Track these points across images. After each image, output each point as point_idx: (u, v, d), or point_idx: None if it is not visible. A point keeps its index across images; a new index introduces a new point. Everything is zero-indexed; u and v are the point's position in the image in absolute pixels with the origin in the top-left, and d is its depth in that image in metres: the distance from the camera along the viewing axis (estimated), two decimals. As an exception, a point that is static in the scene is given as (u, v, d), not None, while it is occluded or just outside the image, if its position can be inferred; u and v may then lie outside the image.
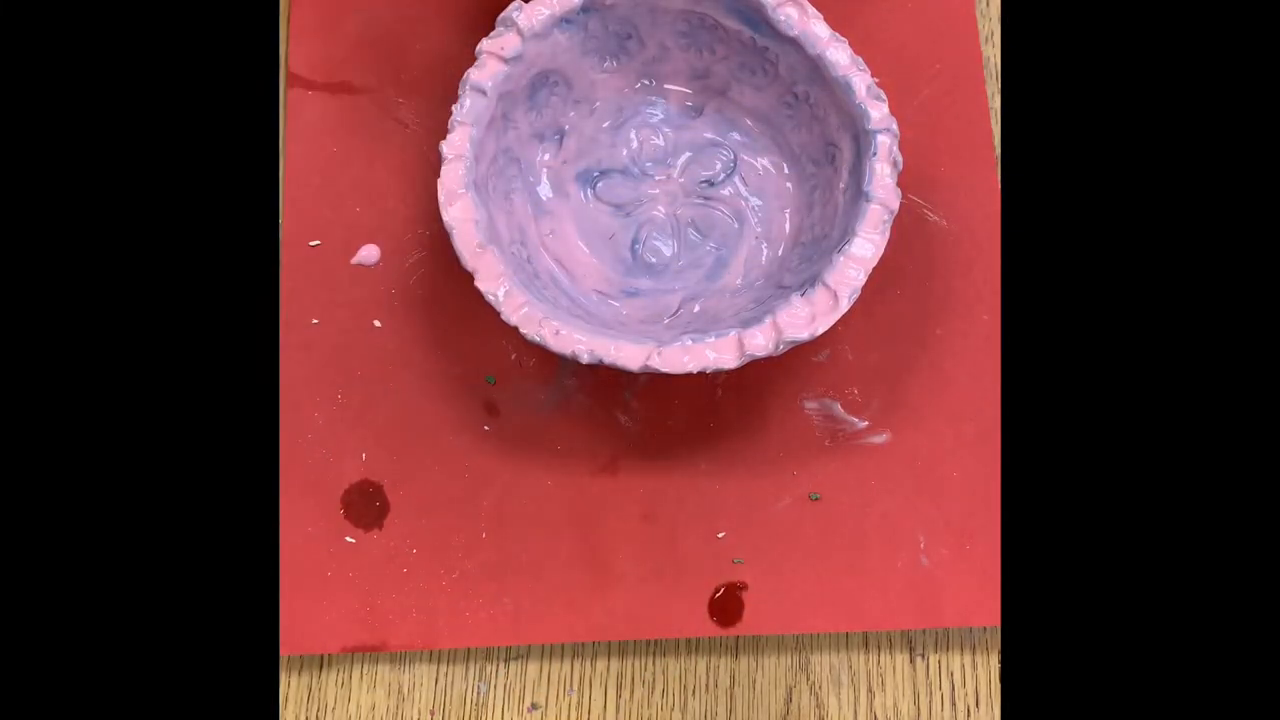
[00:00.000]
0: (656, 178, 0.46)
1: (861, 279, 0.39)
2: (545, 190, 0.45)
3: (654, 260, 0.45)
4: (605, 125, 0.46)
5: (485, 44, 0.41)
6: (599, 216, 0.45)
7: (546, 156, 0.45)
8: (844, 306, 0.39)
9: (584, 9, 0.42)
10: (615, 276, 0.45)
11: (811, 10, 0.42)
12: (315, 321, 0.45)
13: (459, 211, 0.39)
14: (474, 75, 0.41)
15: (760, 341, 0.38)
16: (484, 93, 0.41)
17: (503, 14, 0.41)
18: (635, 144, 0.46)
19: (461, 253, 0.39)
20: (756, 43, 0.43)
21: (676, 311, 0.44)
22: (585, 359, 0.38)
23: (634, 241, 0.45)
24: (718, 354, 0.38)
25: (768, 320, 0.39)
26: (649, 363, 0.38)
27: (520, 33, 0.41)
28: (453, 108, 0.41)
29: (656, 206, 0.46)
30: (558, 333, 0.38)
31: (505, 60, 0.41)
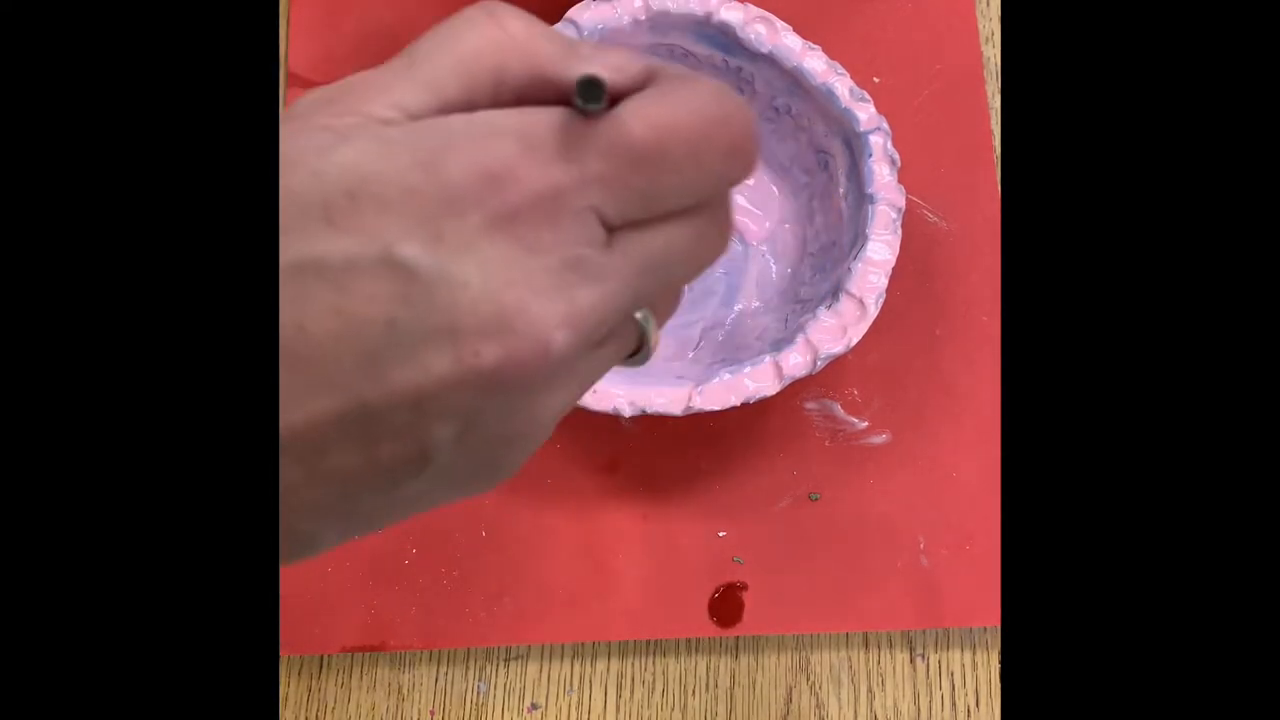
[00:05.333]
0: None
1: (884, 282, 0.39)
2: None
3: None
4: None
5: None
6: None
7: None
8: (873, 312, 0.38)
9: None
10: None
11: (780, 24, 0.41)
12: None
13: None
14: None
15: (798, 361, 0.38)
16: None
17: None
18: None
19: None
20: (729, 64, 0.43)
21: (699, 343, 0.43)
22: (628, 412, 0.38)
23: None
24: (757, 383, 0.38)
25: (800, 339, 0.38)
26: (692, 404, 0.38)
27: None
28: None
29: None
30: (595, 391, 0.38)
31: None
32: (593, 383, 0.23)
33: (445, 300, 0.19)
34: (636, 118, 0.21)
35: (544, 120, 0.21)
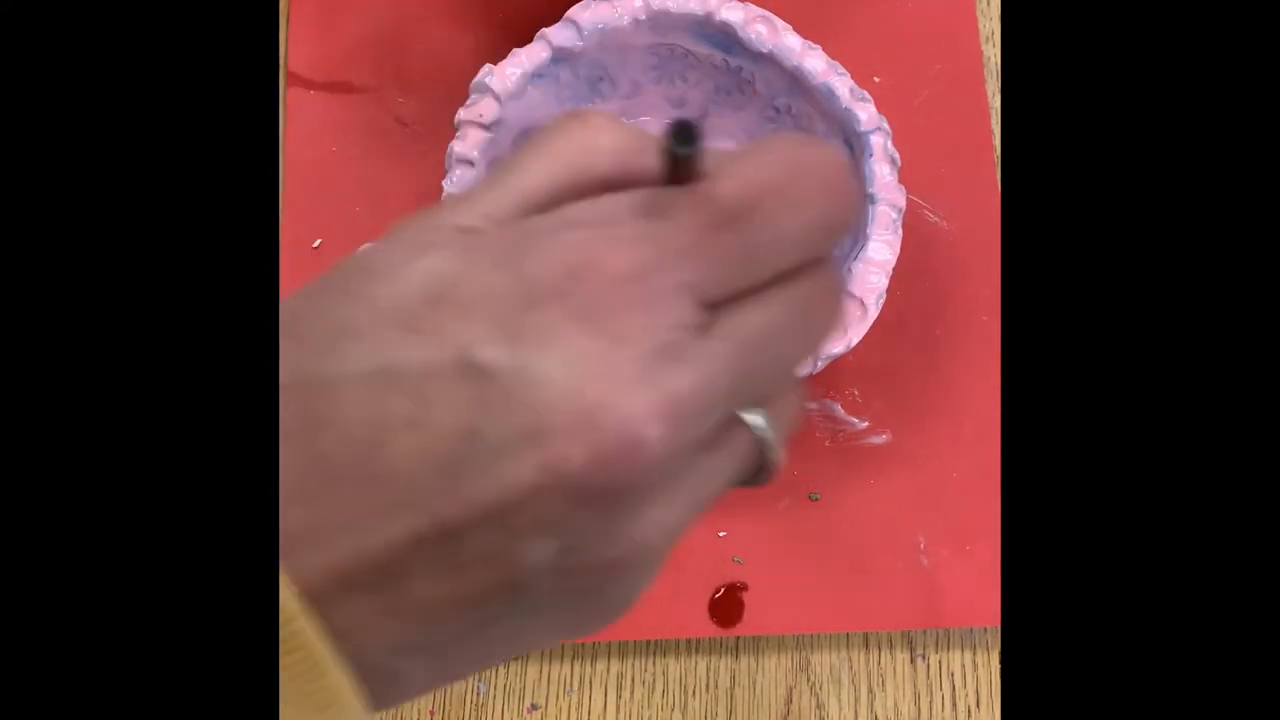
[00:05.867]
0: None
1: (884, 282, 0.39)
2: None
3: None
4: None
5: (463, 114, 0.40)
6: None
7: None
8: (873, 313, 0.38)
9: (554, 60, 0.41)
10: None
11: (780, 23, 0.41)
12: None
13: None
14: (458, 148, 0.39)
15: None
16: (471, 163, 0.39)
17: (475, 80, 0.40)
18: None
19: None
20: (730, 64, 0.43)
21: None
22: None
23: None
24: None
25: None
26: None
27: (496, 96, 0.40)
28: (443, 183, 0.40)
29: None
30: None
31: (486, 127, 0.40)
32: (709, 499, 0.21)
33: (525, 401, 0.18)
34: (723, 176, 0.19)
35: (625, 201, 0.20)
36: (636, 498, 0.19)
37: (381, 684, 0.19)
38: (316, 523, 0.18)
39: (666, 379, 0.18)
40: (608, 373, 0.18)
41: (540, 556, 0.19)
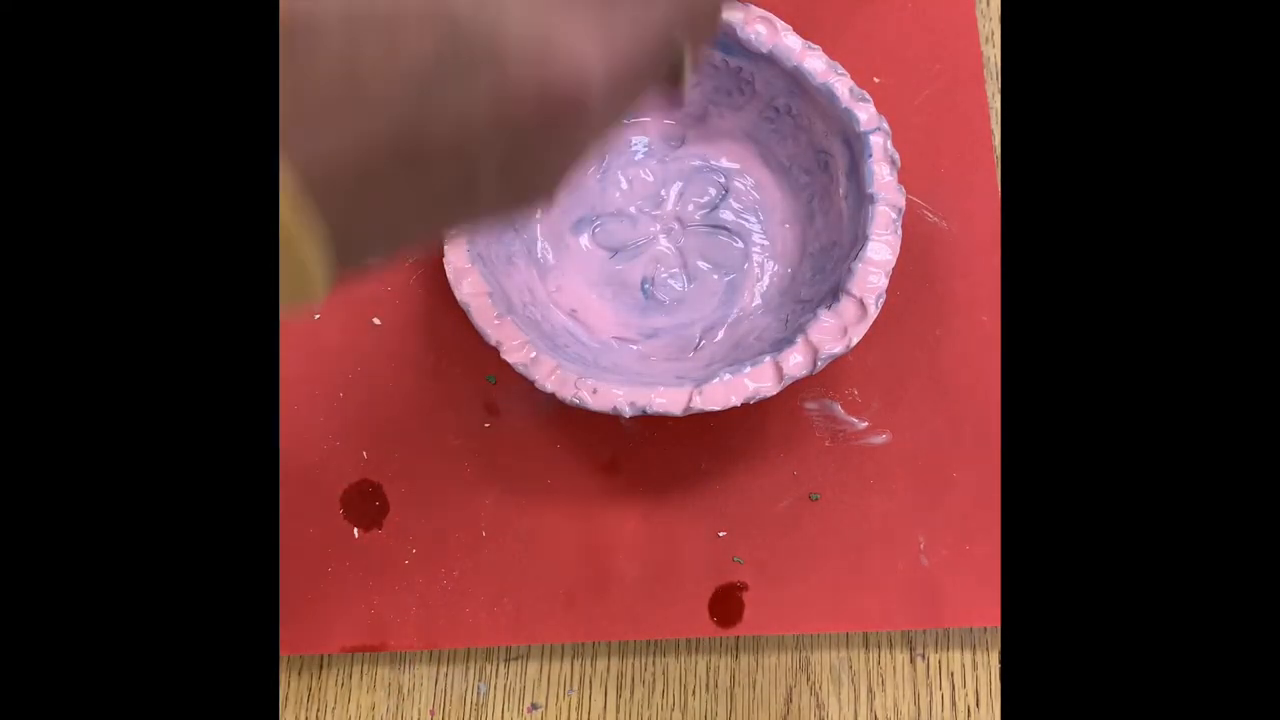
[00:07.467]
0: (653, 213, 0.46)
1: (884, 282, 0.39)
2: (544, 247, 0.45)
3: (666, 298, 0.44)
4: (591, 171, 0.46)
5: None
6: (603, 263, 0.45)
7: (538, 214, 0.45)
8: (873, 313, 0.38)
9: None
10: (632, 319, 0.44)
11: (780, 24, 0.41)
12: (317, 317, 0.45)
13: (470, 287, 0.39)
14: None
15: (798, 361, 0.38)
16: None
17: None
18: (625, 184, 0.46)
19: (482, 328, 0.39)
20: (729, 64, 0.43)
21: (699, 344, 0.43)
22: (628, 412, 0.38)
23: (643, 281, 0.45)
24: (757, 383, 0.38)
25: (800, 340, 0.38)
26: (692, 404, 0.38)
27: None
28: None
29: (658, 242, 0.45)
30: (595, 391, 0.38)
31: None
32: (630, 109, 0.24)
33: (489, 31, 0.21)
34: None
35: None
36: (578, 119, 0.22)
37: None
38: (303, 120, 0.20)
39: (615, 27, 0.22)
40: (562, 20, 0.21)
41: (491, 163, 0.22)
